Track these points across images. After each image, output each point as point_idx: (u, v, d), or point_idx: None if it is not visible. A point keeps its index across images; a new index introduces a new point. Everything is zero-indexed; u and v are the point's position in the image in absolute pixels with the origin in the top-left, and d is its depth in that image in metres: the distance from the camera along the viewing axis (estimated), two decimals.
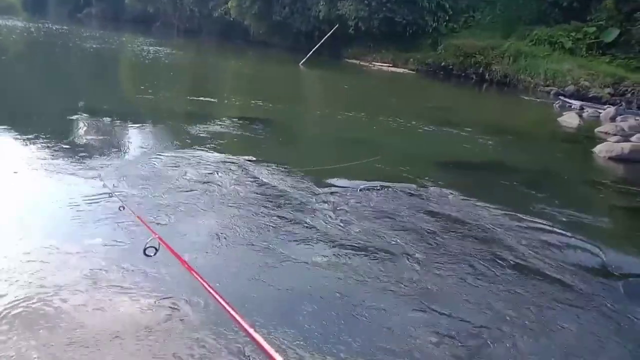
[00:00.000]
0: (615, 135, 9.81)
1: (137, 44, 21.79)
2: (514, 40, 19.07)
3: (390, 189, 5.05)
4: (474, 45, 19.28)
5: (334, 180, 5.13)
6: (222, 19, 28.91)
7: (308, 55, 19.99)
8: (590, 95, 15.56)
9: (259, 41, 26.45)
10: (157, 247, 1.87)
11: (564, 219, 4.75)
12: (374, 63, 21.47)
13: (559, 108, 13.46)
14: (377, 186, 5.05)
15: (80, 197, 4.07)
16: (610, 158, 7.90)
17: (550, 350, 2.71)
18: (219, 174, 4.99)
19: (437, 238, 3.97)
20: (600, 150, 8.18)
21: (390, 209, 4.52)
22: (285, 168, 5.36)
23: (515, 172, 6.64)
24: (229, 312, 1.36)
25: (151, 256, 1.87)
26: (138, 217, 2.57)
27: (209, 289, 1.54)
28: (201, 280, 1.63)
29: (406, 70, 20.27)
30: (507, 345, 2.69)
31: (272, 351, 0.53)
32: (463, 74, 19.20)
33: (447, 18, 21.08)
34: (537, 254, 3.86)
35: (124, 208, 2.91)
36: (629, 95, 15.28)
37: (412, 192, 5.05)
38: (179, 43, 25.24)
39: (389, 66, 20.92)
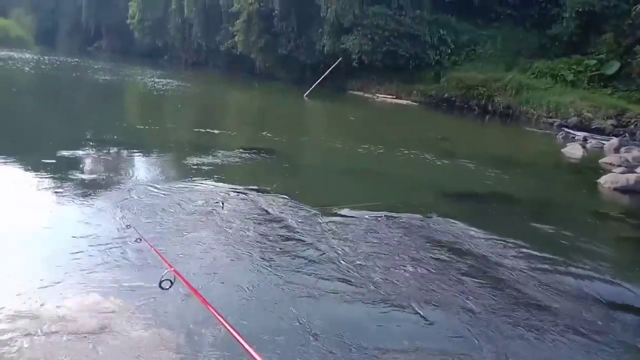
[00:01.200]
0: (619, 166, 9.85)
1: (147, 77, 22.31)
2: (516, 72, 19.38)
3: (395, 219, 5.07)
4: (476, 78, 19.59)
5: (339, 210, 5.17)
6: (229, 52, 29.61)
7: (312, 87, 20.36)
8: (593, 127, 15.67)
9: (264, 74, 26.99)
10: (172, 280, 1.89)
11: (569, 250, 4.74)
12: (377, 95, 21.80)
13: (562, 139, 13.55)
14: (381, 216, 5.08)
15: (97, 229, 4.12)
16: (615, 189, 7.91)
17: None
18: (228, 205, 5.03)
19: (441, 268, 3.97)
20: (605, 181, 8.20)
21: (394, 238, 4.53)
22: (291, 199, 5.41)
23: (520, 203, 6.66)
24: (243, 346, 1.38)
25: (167, 289, 1.90)
26: (154, 249, 2.60)
27: (224, 322, 1.56)
28: (216, 314, 1.65)
29: (409, 102, 20.55)
30: None
31: None
32: (466, 106, 19.44)
33: (449, 51, 21.51)
34: (542, 286, 3.84)
35: (140, 240, 2.94)
36: (632, 126, 15.38)
37: (417, 222, 5.07)
38: (187, 76, 25.83)
39: (393, 98, 21.23)
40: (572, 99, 17.05)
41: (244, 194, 5.51)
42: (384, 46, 21.05)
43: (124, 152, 7.41)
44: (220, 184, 5.85)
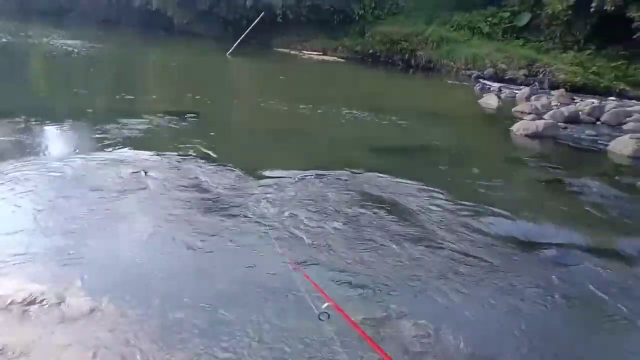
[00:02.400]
0: (530, 114, 10.56)
1: (53, 37, 20.28)
2: (436, 26, 19.84)
3: (325, 177, 5.14)
4: (398, 32, 19.85)
5: (268, 171, 5.14)
6: (143, 9, 27.56)
7: (235, 45, 19.59)
8: (507, 77, 16.59)
9: (183, 31, 25.51)
10: (329, 312, 1.91)
11: (487, 195, 5.10)
12: (304, 51, 21.47)
13: (479, 90, 14.22)
14: (311, 175, 5.12)
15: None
16: (526, 135, 8.51)
17: (482, 317, 2.92)
18: (153, 174, 4.81)
19: (368, 220, 4.12)
20: (517, 128, 8.78)
21: (325, 196, 4.61)
22: (219, 163, 5.29)
23: (442, 153, 6.98)
24: None
25: (324, 320, 1.91)
26: (314, 283, 2.48)
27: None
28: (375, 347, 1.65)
29: (336, 58, 20.47)
30: (432, 310, 2.87)
31: None
32: (390, 60, 19.73)
33: (372, 5, 21.49)
34: (462, 229, 4.12)
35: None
36: (541, 75, 16.45)
37: (346, 178, 5.17)
38: (98, 35, 23.80)
39: (320, 54, 21.03)
40: (488, 51, 17.84)
41: (169, 160, 5.30)
42: (307, 0, 20.60)
43: (32, 123, 6.78)
44: (143, 152, 5.57)
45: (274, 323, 2.67)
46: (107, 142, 5.91)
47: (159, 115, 7.63)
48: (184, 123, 7.34)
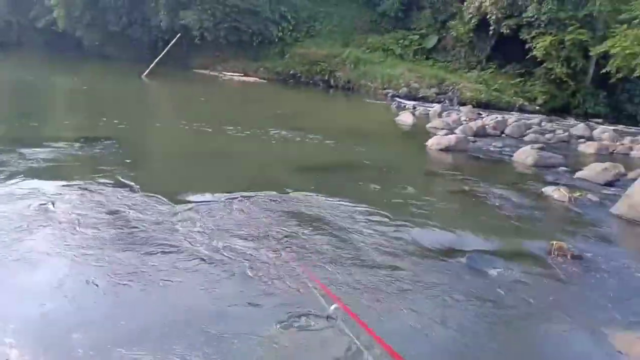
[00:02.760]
0: (442, 129, 11.26)
1: None
2: (353, 48, 20.69)
3: (251, 198, 5.09)
4: (317, 54, 20.44)
5: (193, 197, 5.00)
6: (48, 30, 25.97)
7: (151, 67, 19.03)
8: (420, 96, 17.63)
9: (94, 53, 24.35)
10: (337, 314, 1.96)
11: (408, 208, 5.33)
12: (224, 73, 21.33)
13: (396, 108, 14.96)
14: (237, 197, 5.06)
15: None
16: (440, 149, 9.05)
17: (407, 324, 3.03)
18: (62, 207, 4.47)
19: (296, 239, 4.14)
20: (431, 143, 9.32)
21: (252, 218, 4.56)
22: (138, 190, 5.05)
23: (364, 170, 7.21)
24: None
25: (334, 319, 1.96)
26: (321, 284, 2.36)
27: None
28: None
29: (257, 79, 20.55)
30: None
31: None
32: (311, 81, 20.19)
33: (291, 28, 21.94)
34: (385, 242, 4.26)
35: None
36: (450, 93, 17.66)
37: (273, 199, 5.17)
38: None
39: (240, 75, 20.99)
40: (401, 71, 18.88)
41: (81, 190, 4.96)
42: (225, 22, 20.58)
43: None
44: (50, 182, 5.16)
45: None
46: (5, 174, 5.35)
47: (69, 142, 7.16)
48: (98, 150, 6.94)
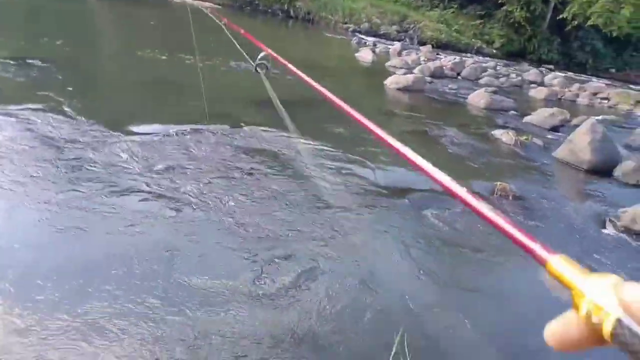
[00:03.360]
0: (401, 68, 11.20)
1: None
2: None
3: (202, 132, 4.94)
4: None
5: (140, 128, 4.78)
6: None
7: None
8: (381, 32, 17.28)
9: None
10: (267, 63, 1.82)
11: (364, 148, 5.36)
12: None
13: (356, 44, 14.63)
14: (187, 130, 4.89)
15: None
16: (398, 89, 9.04)
17: (352, 260, 3.13)
18: (5, 131, 4.17)
19: (249, 175, 4.10)
20: (390, 82, 9.27)
21: (202, 151, 4.45)
22: (81, 119, 4.76)
23: (321, 107, 7.11)
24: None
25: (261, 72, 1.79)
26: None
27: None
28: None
29: (212, 5, 19.33)
30: (309, 258, 3.01)
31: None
32: (270, 10, 19.24)
33: None
34: (341, 180, 4.31)
35: None
36: (411, 31, 17.42)
37: (225, 132, 5.04)
38: None
39: (193, 0, 19.68)
40: (364, 5, 18.31)
41: (14, 117, 4.61)
42: None
43: None
44: None
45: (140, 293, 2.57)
46: None
47: (3, 63, 6.56)
48: (36, 73, 6.42)
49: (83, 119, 4.76)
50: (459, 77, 11.72)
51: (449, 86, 10.25)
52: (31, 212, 3.07)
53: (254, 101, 6.65)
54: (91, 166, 3.83)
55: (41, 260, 2.63)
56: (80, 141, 4.24)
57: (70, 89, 5.93)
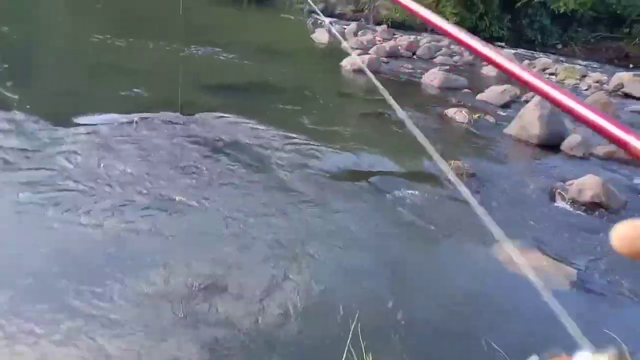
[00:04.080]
0: (357, 49, 11.15)
1: None
2: None
3: (151, 120, 4.75)
4: None
5: (84, 118, 4.54)
6: None
7: None
8: (337, 12, 17.11)
9: None
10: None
11: (320, 131, 5.32)
12: None
13: (311, 25, 14.43)
14: (135, 118, 4.68)
15: None
16: (354, 70, 8.99)
17: (315, 245, 3.11)
18: None
19: (202, 164, 3.99)
20: (345, 64, 9.21)
21: (153, 141, 4.28)
22: (16, 111, 4.47)
23: (277, 91, 7.00)
24: None
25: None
26: None
27: None
28: None
29: None
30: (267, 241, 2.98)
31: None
32: None
33: None
34: (297, 165, 4.26)
35: None
36: (367, 11, 17.35)
37: (175, 120, 4.87)
38: None
39: None
40: None
41: None
42: None
43: None
44: None
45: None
46: None
47: None
48: None
49: (22, 109, 4.48)
50: (415, 57, 11.81)
51: (405, 66, 10.30)
52: None
53: (207, 87, 6.46)
54: (27, 162, 3.61)
55: None
56: (18, 134, 3.99)
57: (9, 74, 5.56)
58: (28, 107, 4.58)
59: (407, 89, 8.46)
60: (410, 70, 9.94)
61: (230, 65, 8.02)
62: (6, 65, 6.06)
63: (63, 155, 3.77)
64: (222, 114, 5.21)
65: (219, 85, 6.68)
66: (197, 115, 5.10)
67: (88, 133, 4.22)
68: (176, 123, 4.81)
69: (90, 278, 2.48)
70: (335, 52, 10.76)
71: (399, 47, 12.00)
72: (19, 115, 4.38)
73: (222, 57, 8.32)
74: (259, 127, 5.02)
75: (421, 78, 9.06)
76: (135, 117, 4.70)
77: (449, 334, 2.52)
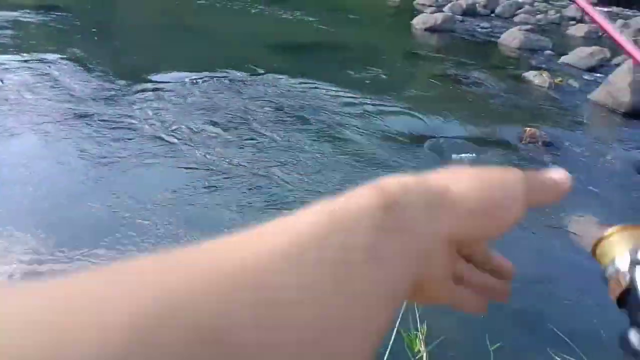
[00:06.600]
0: (430, 6, 10.59)
1: None
2: None
3: (219, 78, 4.84)
4: None
5: (155, 76, 4.71)
6: None
7: None
8: None
9: None
10: None
11: (388, 92, 5.16)
12: None
13: None
14: (204, 77, 4.79)
15: None
16: (426, 29, 8.59)
17: None
18: (12, 83, 4.18)
19: (268, 122, 4.02)
20: (417, 22, 8.80)
21: (221, 100, 4.37)
22: (95, 67, 4.72)
23: (344, 51, 6.85)
24: None
25: None
26: None
27: None
28: None
29: None
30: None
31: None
32: None
33: None
34: (362, 125, 4.18)
35: None
36: None
37: (243, 80, 4.92)
38: None
39: None
40: None
41: (31, 65, 4.61)
42: None
43: None
44: (6, 55, 4.79)
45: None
46: None
47: (19, 11, 6.52)
48: (47, 19, 6.36)
49: (98, 67, 4.73)
50: (493, 15, 11.04)
51: (482, 25, 9.67)
52: (47, 161, 3.13)
53: (275, 47, 6.45)
54: (103, 116, 3.83)
55: (56, 210, 2.69)
56: (95, 90, 4.22)
57: (86, 35, 5.88)
58: (104, 64, 4.82)
59: (482, 50, 7.97)
60: (487, 30, 9.32)
61: (298, 24, 7.94)
62: (85, 26, 6.38)
63: (136, 108, 3.96)
64: (286, 75, 5.19)
65: (285, 45, 6.64)
66: (263, 75, 5.12)
67: (159, 90, 4.38)
68: (242, 82, 4.87)
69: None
70: (407, 10, 10.31)
71: (477, 5, 11.25)
72: (97, 73, 4.62)
73: (291, 16, 8.25)
74: (322, 87, 4.95)
75: (499, 38, 8.47)
76: (203, 75, 4.81)
77: (511, 312, 2.42)
